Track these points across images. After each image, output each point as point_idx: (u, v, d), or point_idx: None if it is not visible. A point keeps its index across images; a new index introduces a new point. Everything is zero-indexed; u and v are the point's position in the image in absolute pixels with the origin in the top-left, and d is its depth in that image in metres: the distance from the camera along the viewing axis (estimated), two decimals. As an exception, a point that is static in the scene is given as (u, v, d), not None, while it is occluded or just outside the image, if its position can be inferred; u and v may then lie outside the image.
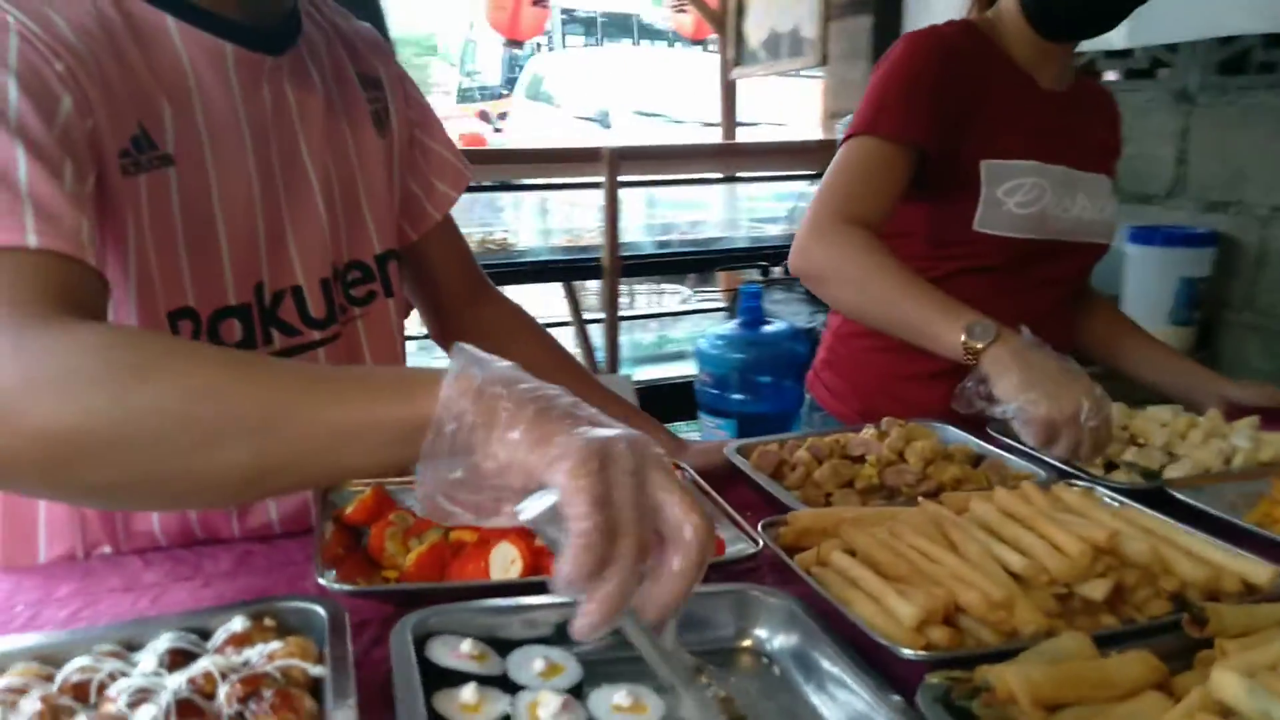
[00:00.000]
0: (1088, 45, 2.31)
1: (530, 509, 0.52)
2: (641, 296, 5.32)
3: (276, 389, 0.57)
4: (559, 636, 0.70)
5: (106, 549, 0.89)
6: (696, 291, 4.95)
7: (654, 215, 3.55)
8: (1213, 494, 1.02)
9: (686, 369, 3.30)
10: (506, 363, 0.57)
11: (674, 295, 5.19)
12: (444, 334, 1.19)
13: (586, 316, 3.39)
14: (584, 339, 3.26)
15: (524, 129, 10.41)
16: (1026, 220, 1.31)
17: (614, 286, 3.12)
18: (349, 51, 1.02)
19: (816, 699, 0.70)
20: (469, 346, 0.57)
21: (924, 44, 1.31)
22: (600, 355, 3.22)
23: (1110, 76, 2.75)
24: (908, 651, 0.68)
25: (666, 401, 2.97)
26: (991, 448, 1.12)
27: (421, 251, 1.14)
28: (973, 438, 1.15)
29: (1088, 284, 1.55)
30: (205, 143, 0.84)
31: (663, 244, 3.35)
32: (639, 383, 3.12)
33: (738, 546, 0.86)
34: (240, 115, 0.86)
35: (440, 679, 0.65)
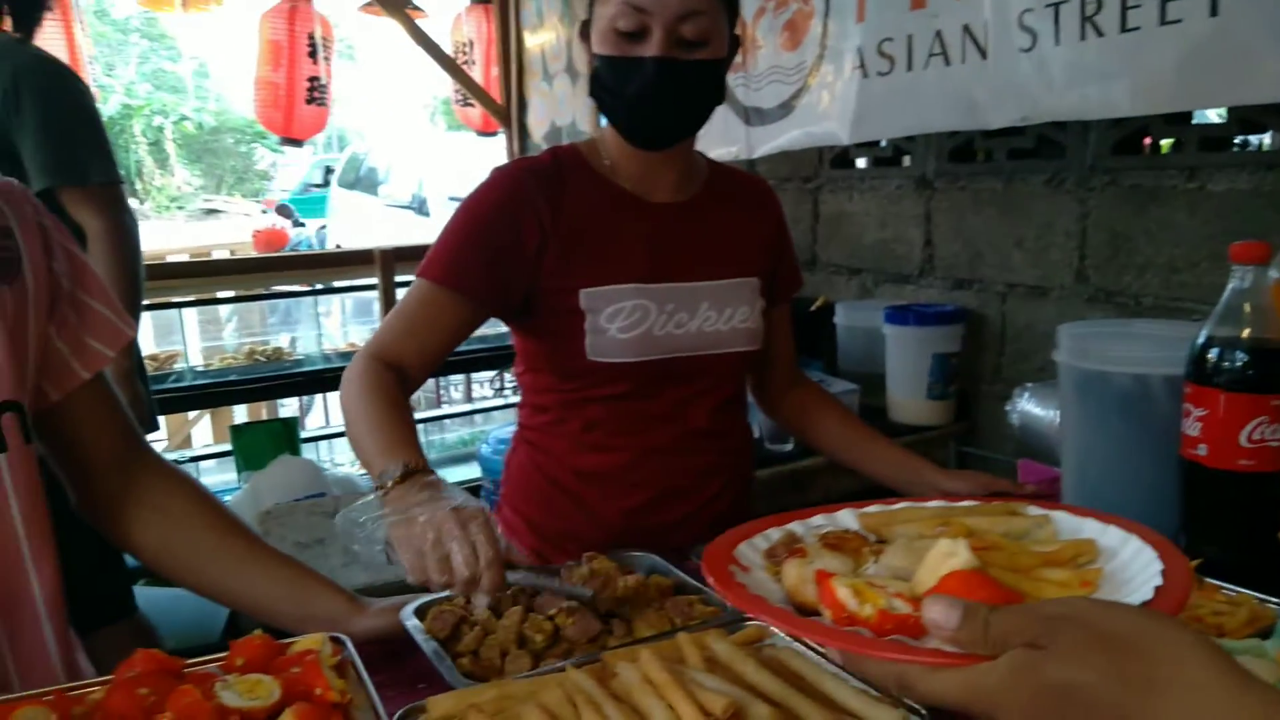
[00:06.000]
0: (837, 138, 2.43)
1: None
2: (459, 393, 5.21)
3: None
4: None
5: None
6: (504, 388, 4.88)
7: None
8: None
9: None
10: None
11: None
12: (90, 501, 1.07)
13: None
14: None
15: (340, 222, 10.17)
16: (631, 344, 1.27)
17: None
18: None
19: None
20: None
21: (489, 186, 1.29)
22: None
23: (861, 164, 2.91)
24: None
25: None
26: (688, 578, 1.08)
27: (65, 412, 1.03)
28: (675, 568, 1.11)
29: (797, 373, 1.53)
30: None
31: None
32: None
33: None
34: None
35: None
